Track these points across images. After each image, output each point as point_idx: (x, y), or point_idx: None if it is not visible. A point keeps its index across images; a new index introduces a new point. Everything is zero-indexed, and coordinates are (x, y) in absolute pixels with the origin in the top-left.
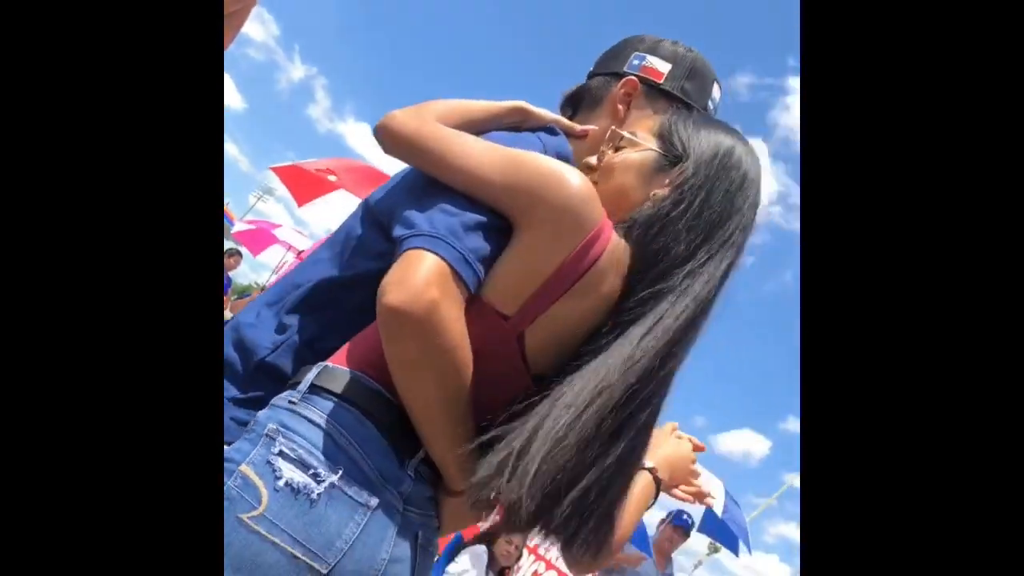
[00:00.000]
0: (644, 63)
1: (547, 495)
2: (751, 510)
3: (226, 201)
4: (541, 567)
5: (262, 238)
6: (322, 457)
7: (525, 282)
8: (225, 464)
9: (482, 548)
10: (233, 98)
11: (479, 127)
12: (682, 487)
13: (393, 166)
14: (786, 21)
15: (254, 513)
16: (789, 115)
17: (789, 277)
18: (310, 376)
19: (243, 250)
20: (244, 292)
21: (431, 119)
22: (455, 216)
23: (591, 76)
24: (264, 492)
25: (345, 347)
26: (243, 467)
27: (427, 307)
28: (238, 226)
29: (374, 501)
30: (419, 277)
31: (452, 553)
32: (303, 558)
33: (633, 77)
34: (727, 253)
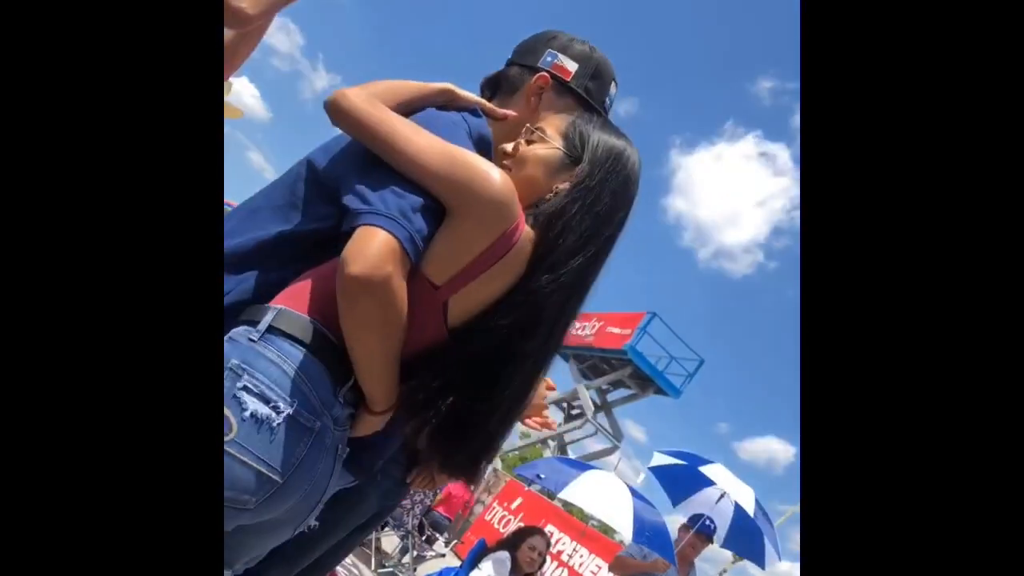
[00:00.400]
0: (556, 61)
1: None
2: (776, 517)
3: None
4: (564, 573)
5: None
6: (281, 392)
7: (455, 260)
8: None
9: (505, 554)
10: (258, 108)
11: (413, 105)
12: (534, 418)
13: None
14: None
15: (228, 437)
16: None
17: None
18: (268, 318)
19: None
20: None
21: (378, 101)
22: (404, 198)
23: (509, 64)
24: (234, 421)
25: (291, 290)
26: None
27: (383, 279)
28: None
29: (318, 425)
30: (377, 253)
31: (475, 559)
32: (266, 472)
33: (546, 73)
34: (607, 246)
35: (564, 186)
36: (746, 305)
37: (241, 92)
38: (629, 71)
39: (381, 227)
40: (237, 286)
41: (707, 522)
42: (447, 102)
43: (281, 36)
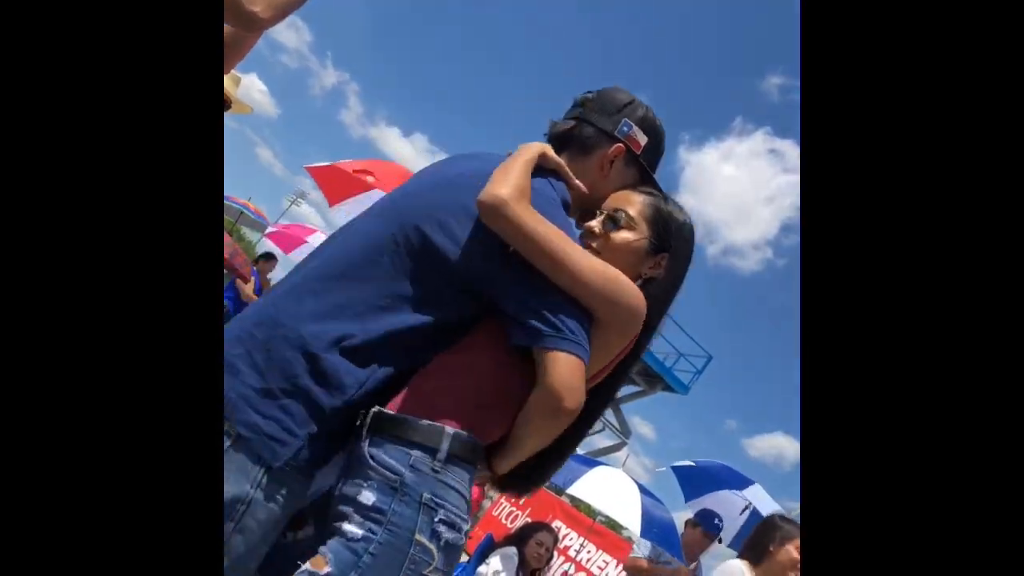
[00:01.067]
0: (630, 132)
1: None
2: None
3: (260, 204)
4: (571, 568)
5: (294, 238)
6: (463, 515)
7: (599, 362)
8: (393, 524)
9: (513, 550)
10: (267, 104)
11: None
12: None
13: (419, 165)
14: None
15: (431, 568)
16: None
17: None
18: (445, 447)
19: (276, 250)
20: None
21: (533, 209)
22: (577, 319)
23: (583, 121)
24: (435, 553)
25: (450, 402)
26: (418, 537)
27: (582, 402)
28: (271, 229)
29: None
30: (581, 384)
31: (483, 554)
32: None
33: (622, 144)
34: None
35: (650, 272)
36: (755, 302)
37: (250, 88)
38: (638, 67)
39: (575, 354)
40: (372, 375)
41: (716, 522)
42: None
43: (290, 33)
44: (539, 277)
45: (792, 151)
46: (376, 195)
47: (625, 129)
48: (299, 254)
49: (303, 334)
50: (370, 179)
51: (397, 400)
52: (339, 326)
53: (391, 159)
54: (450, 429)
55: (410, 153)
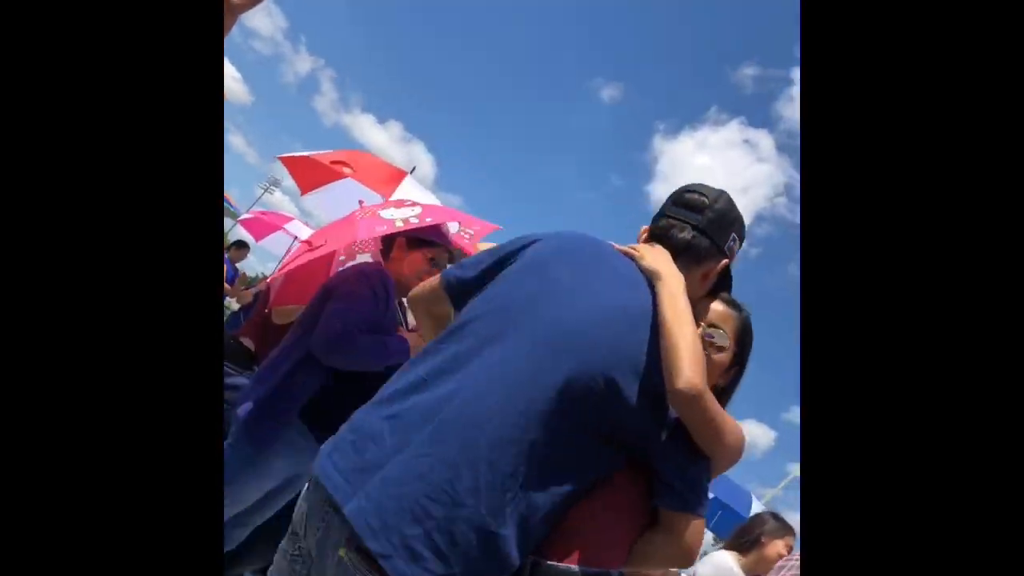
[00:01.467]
0: (733, 246)
1: None
2: (757, 501)
3: (232, 192)
4: None
5: (268, 225)
6: None
7: None
8: None
9: None
10: (239, 91)
11: None
12: None
13: (404, 163)
14: (791, 11)
15: None
16: (794, 106)
17: (794, 268)
18: None
19: (248, 238)
20: (251, 283)
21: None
22: (709, 482)
23: (703, 232)
24: None
25: (606, 544)
26: None
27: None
28: (245, 215)
29: None
30: (703, 538)
31: None
32: None
33: (728, 260)
34: None
35: (721, 384)
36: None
37: None
38: (614, 57)
39: (704, 516)
40: (537, 541)
41: None
42: None
43: (263, 18)
44: (694, 445)
45: (765, 141)
46: (351, 185)
47: (731, 244)
48: (271, 242)
49: (484, 514)
50: (347, 170)
51: (559, 550)
52: (517, 502)
53: (365, 147)
54: (615, 572)
55: (385, 141)
